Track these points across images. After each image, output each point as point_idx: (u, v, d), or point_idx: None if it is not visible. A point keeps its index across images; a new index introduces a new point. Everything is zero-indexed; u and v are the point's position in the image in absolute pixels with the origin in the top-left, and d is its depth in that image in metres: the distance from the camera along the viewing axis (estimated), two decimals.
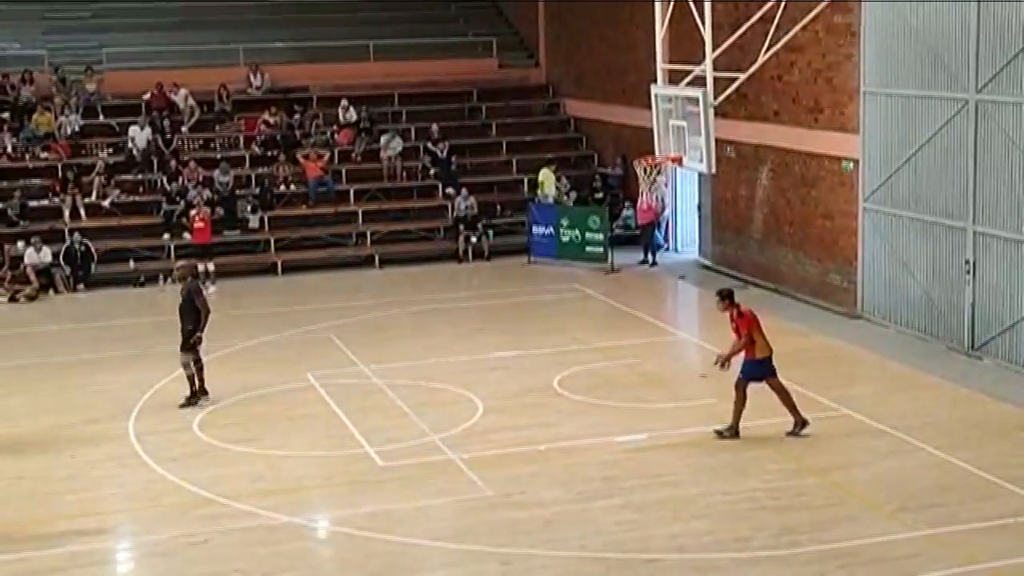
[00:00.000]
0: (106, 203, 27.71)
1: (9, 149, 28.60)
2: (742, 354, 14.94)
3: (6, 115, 29.41)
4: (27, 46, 31.38)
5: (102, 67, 31.09)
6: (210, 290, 24.65)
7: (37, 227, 26.54)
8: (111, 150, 29.26)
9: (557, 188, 28.59)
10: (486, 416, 16.31)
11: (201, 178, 28.03)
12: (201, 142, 30.08)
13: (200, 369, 17.06)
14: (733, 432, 14.95)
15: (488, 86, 33.18)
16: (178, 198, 27.52)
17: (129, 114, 29.93)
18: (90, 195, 27.76)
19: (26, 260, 25.47)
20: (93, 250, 26.13)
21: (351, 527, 12.70)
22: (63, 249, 25.93)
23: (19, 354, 20.19)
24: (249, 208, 28.07)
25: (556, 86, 33.50)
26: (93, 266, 26.07)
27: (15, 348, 20.78)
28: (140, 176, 28.65)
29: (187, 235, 26.64)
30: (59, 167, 28.26)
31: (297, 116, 30.80)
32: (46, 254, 25.65)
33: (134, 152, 28.84)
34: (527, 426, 15.88)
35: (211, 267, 25.53)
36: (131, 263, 26.47)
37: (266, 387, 17.75)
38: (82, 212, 27.35)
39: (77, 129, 29.34)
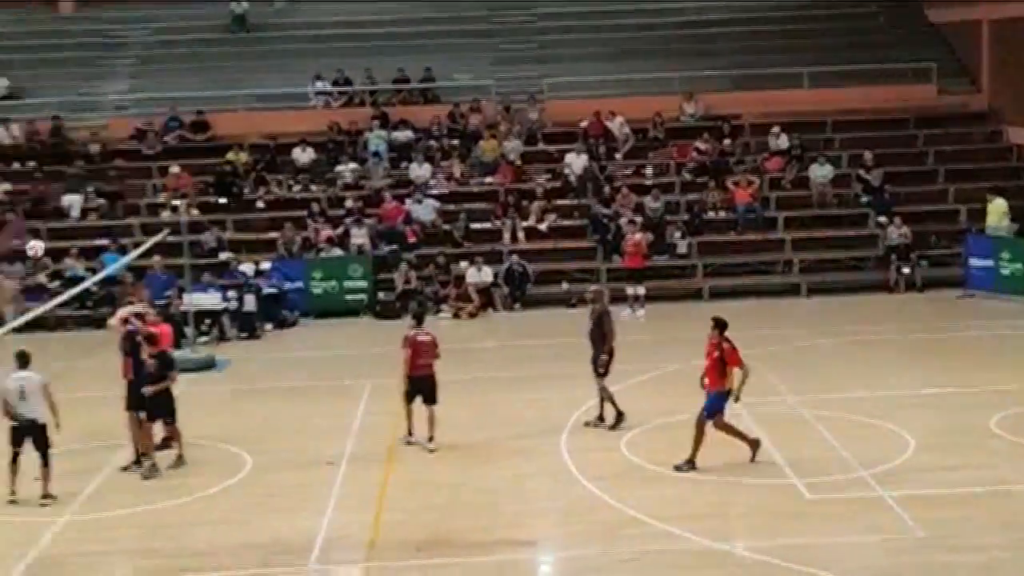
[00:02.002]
0: (543, 226, 28.98)
1: (457, 174, 30.51)
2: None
3: (455, 142, 31.43)
4: (477, 77, 33.33)
5: (544, 96, 32.57)
6: (638, 314, 25.28)
7: (479, 248, 28.14)
8: (549, 175, 30.58)
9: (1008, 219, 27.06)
10: (917, 453, 15.80)
11: (633, 204, 28.77)
12: (633, 169, 30.86)
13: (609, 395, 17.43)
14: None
15: (926, 113, 32.08)
16: (610, 223, 28.38)
17: (567, 141, 31.20)
18: (528, 218, 29.14)
19: (468, 279, 27.07)
20: (530, 271, 27.42)
21: (774, 557, 12.65)
22: (503, 270, 27.37)
23: (460, 368, 21.39)
24: (678, 233, 28.52)
25: (999, 112, 31.89)
26: (529, 286, 27.35)
27: (458, 362, 22.03)
28: (575, 201, 29.78)
29: (618, 259, 27.41)
30: (501, 191, 29.84)
31: (728, 142, 31.01)
32: (487, 274, 27.17)
33: (570, 178, 30.01)
34: (960, 466, 15.26)
35: (640, 291, 26.11)
36: (564, 285, 27.52)
37: (690, 411, 17.95)
38: (520, 235, 28.75)
39: (519, 156, 30.88)
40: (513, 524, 13.96)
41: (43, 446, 14.77)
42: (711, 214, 29.29)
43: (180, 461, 16.21)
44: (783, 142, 30.68)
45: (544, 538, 13.75)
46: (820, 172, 29.57)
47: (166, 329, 17.57)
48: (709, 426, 15.42)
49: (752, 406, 17.98)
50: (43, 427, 14.78)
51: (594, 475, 15.39)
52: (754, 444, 15.62)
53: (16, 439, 14.70)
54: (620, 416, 17.37)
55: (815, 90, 32.38)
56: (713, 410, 15.37)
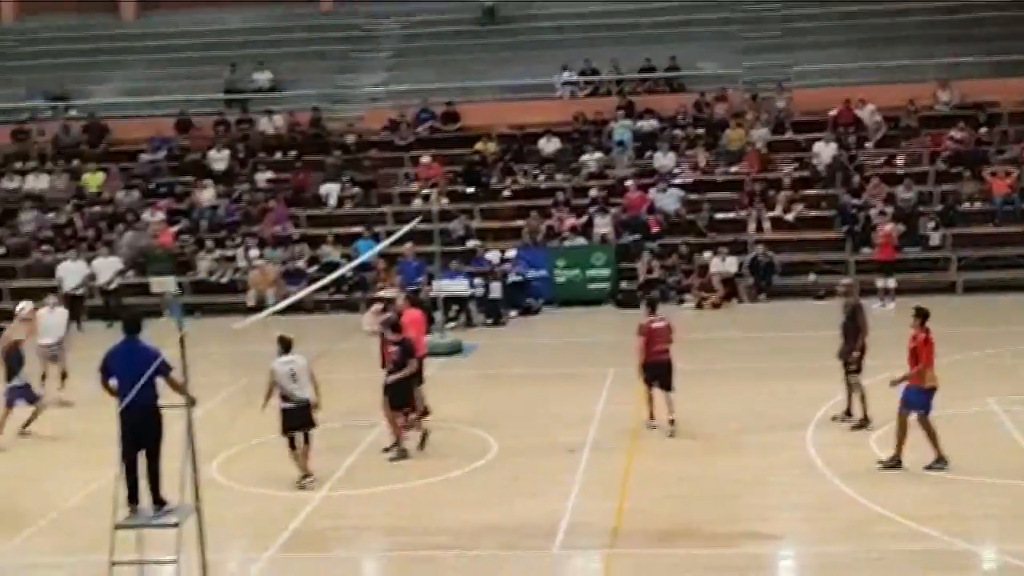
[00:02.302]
0: (790, 217, 28.52)
1: (702, 163, 30.32)
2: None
3: (701, 131, 31.23)
4: (723, 65, 33.00)
5: (791, 84, 32.01)
6: (888, 307, 24.61)
7: (723, 238, 27.92)
8: (796, 165, 30.05)
9: None
10: None
11: (884, 194, 28.01)
12: (885, 158, 30.00)
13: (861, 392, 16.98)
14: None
15: None
16: (859, 213, 27.70)
17: (815, 130, 30.58)
18: (774, 208, 28.72)
19: (712, 269, 26.91)
20: (776, 262, 27.03)
21: None
22: (748, 260, 27.09)
23: (702, 359, 21.27)
24: (931, 225, 27.61)
25: None
26: (775, 277, 26.98)
27: (700, 353, 21.92)
28: (823, 191, 29.18)
29: (867, 250, 26.74)
30: (747, 181, 29.49)
31: (984, 131, 29.80)
32: (731, 264, 26.94)
33: (818, 167, 29.43)
34: None
35: (891, 284, 25.43)
36: (811, 276, 27.02)
37: (940, 409, 17.38)
38: (766, 225, 28.36)
39: (765, 145, 30.45)
40: (757, 517, 13.84)
41: (309, 425, 15.45)
42: (966, 205, 28.23)
43: (423, 442, 16.62)
44: None
45: (789, 533, 13.58)
46: None
47: (417, 315, 18.11)
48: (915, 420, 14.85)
49: (1011, 404, 17.35)
50: (311, 407, 15.46)
51: (841, 471, 15.08)
52: (939, 455, 14.86)
53: (292, 421, 15.40)
54: (865, 420, 16.87)
55: None
56: (914, 405, 14.77)
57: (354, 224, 29.32)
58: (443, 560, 13.07)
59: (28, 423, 18.02)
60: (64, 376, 20.06)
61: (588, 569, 12.94)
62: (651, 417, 17.28)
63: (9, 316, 20.50)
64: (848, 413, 17.13)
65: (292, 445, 15.38)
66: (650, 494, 14.71)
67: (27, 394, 18.06)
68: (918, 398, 14.85)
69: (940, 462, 14.80)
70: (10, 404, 17.89)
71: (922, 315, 15.19)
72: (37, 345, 19.47)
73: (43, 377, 19.36)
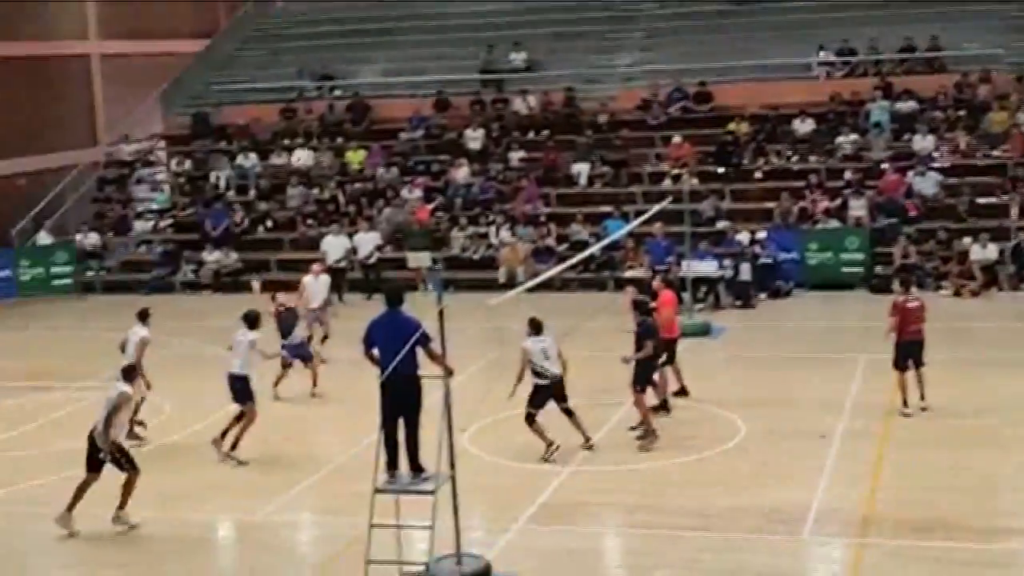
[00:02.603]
0: None
1: (962, 146, 29.18)
2: None
3: (962, 113, 30.06)
4: (987, 45, 31.61)
5: None
6: None
7: (985, 224, 26.84)
8: None
9: None
10: None
11: None
12: None
13: None
14: None
15: None
16: None
17: None
18: None
19: (972, 256, 25.92)
20: None
21: None
22: (1010, 247, 25.98)
23: (959, 347, 20.57)
24: None
25: None
26: None
27: (956, 341, 21.20)
28: None
29: None
30: (1009, 165, 28.25)
31: None
32: (992, 251, 25.90)
33: None
34: None
35: None
36: None
37: None
38: None
39: None
40: (1018, 513, 13.36)
41: (563, 400, 15.85)
42: None
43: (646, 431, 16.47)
44: None
45: None
46: None
47: (669, 295, 18.18)
48: None
49: None
50: (563, 383, 15.80)
51: None
52: None
53: (544, 396, 15.78)
54: None
55: None
56: None
57: (603, 203, 29.48)
58: (690, 540, 13.11)
59: (278, 381, 19.19)
60: (325, 338, 21.15)
61: (838, 558, 12.74)
62: (904, 404, 16.90)
63: (278, 287, 21.73)
64: None
65: (533, 421, 15.73)
66: (903, 484, 14.39)
67: (302, 351, 19.42)
68: None
69: None
70: (287, 363, 19.14)
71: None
72: (304, 309, 20.49)
73: (309, 339, 20.35)
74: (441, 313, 11.98)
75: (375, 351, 12.40)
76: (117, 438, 14.00)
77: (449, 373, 11.94)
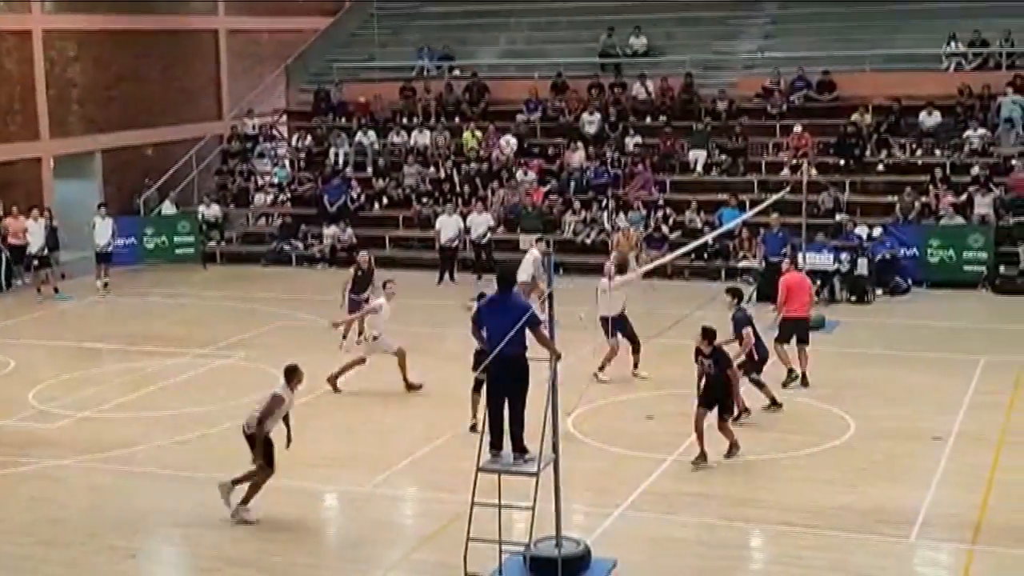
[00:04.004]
0: None
1: None
2: None
3: None
4: None
5: None
6: None
7: None
8: None
9: None
10: None
11: None
12: None
13: None
14: None
15: None
16: None
17: None
18: None
19: None
20: None
21: None
22: None
23: None
24: None
25: None
26: None
27: None
28: None
29: None
30: None
31: None
32: None
33: None
34: None
35: None
36: None
37: None
38: None
39: None
40: None
41: None
42: None
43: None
44: None
45: None
46: None
47: (797, 278, 18.34)
48: None
49: None
50: None
51: None
52: None
53: None
54: None
55: None
56: None
57: (719, 191, 29.14)
58: (794, 536, 12.91)
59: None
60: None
61: (946, 563, 12.44)
62: None
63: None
64: None
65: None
66: (1019, 492, 13.97)
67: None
68: None
69: None
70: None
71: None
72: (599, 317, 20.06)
73: (360, 332, 20.48)
74: (550, 296, 11.94)
75: (484, 332, 12.45)
76: (268, 432, 13.69)
77: (557, 356, 11.92)
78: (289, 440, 13.88)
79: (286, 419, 13.84)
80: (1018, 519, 13.10)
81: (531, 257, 21.42)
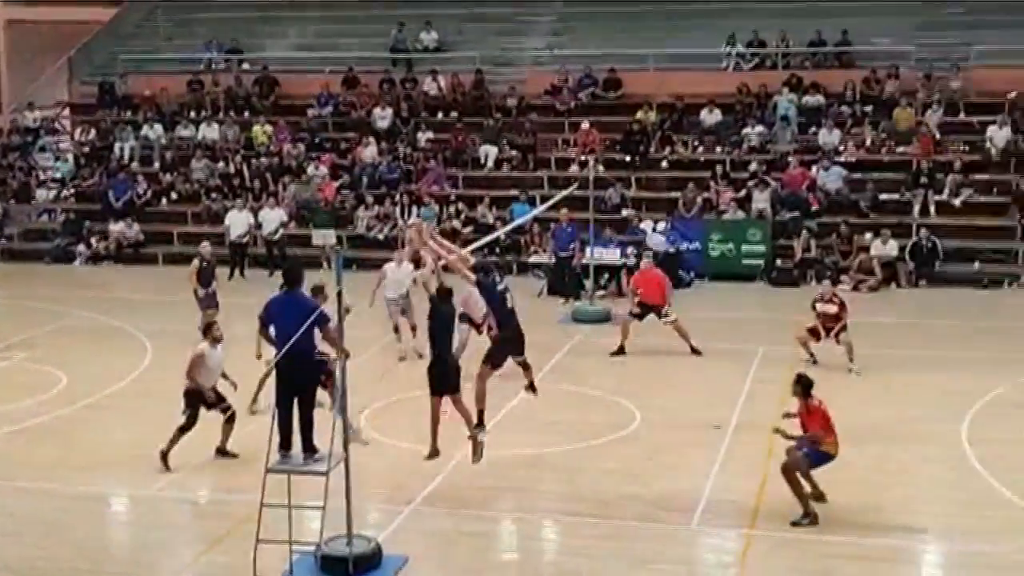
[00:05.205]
0: (957, 202, 27.71)
1: (868, 142, 29.64)
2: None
3: (868, 109, 30.52)
4: (897, 42, 32.05)
5: (968, 64, 30.88)
6: None
7: (886, 220, 27.26)
8: (967, 148, 29.13)
9: None
10: None
11: None
12: None
13: None
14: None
15: None
16: None
17: (990, 112, 29.47)
18: (942, 192, 27.94)
19: (872, 251, 26.33)
20: (939, 247, 26.29)
21: None
22: (909, 244, 26.43)
23: (856, 343, 20.80)
24: None
25: None
26: (937, 263, 26.25)
27: (854, 337, 21.49)
28: (994, 177, 28.27)
29: None
30: (914, 163, 28.74)
31: None
32: (892, 247, 26.32)
33: (991, 152, 28.51)
34: None
35: None
36: (976, 264, 26.26)
37: None
38: (932, 209, 27.63)
39: (936, 126, 29.58)
40: (905, 509, 13.59)
41: None
42: None
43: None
44: None
45: (939, 528, 13.23)
46: None
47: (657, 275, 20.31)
48: None
49: None
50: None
51: (999, 467, 14.65)
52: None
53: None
54: None
55: None
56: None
57: (510, 187, 29.47)
58: (579, 526, 13.18)
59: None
60: (414, 328, 19.53)
61: (726, 548, 12.86)
62: None
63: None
64: None
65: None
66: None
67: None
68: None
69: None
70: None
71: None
72: (385, 298, 19.83)
73: (395, 329, 19.87)
74: (339, 294, 11.88)
75: (271, 330, 12.31)
76: (203, 386, 15.00)
77: (345, 355, 11.86)
78: (235, 386, 15.40)
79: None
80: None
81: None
